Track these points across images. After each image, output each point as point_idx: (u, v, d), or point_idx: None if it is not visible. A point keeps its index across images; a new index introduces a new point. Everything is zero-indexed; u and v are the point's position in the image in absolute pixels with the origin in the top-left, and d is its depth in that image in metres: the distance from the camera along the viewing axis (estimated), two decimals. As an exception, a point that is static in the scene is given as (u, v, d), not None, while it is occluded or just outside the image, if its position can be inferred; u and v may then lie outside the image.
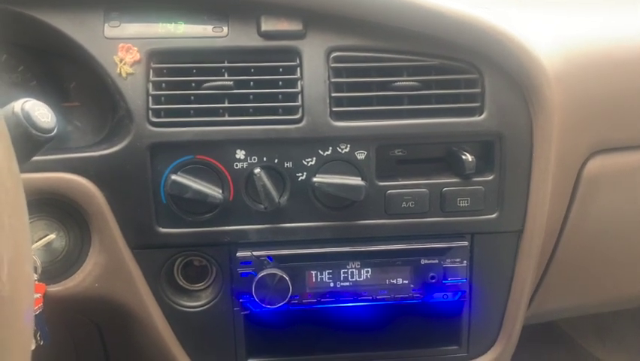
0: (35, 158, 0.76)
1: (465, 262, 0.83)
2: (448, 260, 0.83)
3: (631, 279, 1.08)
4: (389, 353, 0.89)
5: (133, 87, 0.77)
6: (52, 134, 0.53)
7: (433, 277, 0.83)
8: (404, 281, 0.83)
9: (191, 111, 0.77)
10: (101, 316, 0.88)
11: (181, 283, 0.85)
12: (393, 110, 0.79)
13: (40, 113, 0.51)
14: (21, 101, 0.52)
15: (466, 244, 0.83)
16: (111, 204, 0.78)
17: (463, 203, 0.82)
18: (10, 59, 0.86)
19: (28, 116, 0.51)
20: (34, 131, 0.51)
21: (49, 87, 0.87)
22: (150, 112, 0.77)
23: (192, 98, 0.78)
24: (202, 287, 0.86)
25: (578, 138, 0.88)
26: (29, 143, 0.52)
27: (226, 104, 0.78)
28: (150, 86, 0.77)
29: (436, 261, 0.82)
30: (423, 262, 0.82)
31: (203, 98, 0.77)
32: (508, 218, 0.84)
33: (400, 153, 0.83)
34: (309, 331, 0.88)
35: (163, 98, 0.77)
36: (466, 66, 0.80)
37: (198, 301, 0.84)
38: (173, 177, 0.77)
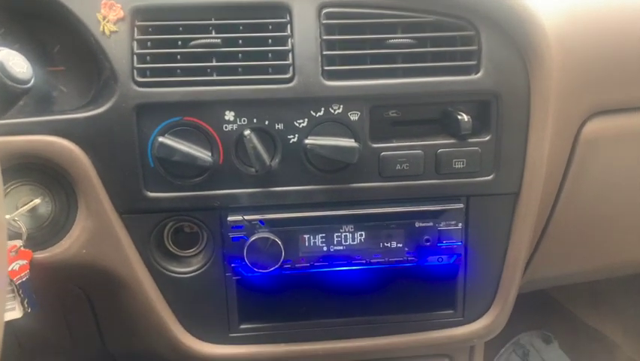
0: (18, 120, 0.75)
1: (460, 224, 0.82)
2: (443, 223, 0.81)
3: (628, 245, 1.07)
4: (383, 318, 0.88)
5: (117, 46, 0.74)
6: (29, 85, 0.51)
7: (427, 240, 0.81)
8: (398, 244, 0.81)
9: (178, 70, 0.75)
10: (89, 283, 0.87)
11: (171, 249, 0.83)
12: (387, 68, 0.77)
13: (15, 62, 0.49)
14: (-6, 51, 0.50)
15: (461, 206, 0.82)
16: (97, 167, 0.76)
17: (459, 165, 0.80)
18: (-11, 22, 0.82)
19: (1, 66, 0.48)
20: (8, 82, 0.48)
21: (33, 51, 0.84)
22: (135, 71, 0.74)
23: (179, 57, 0.75)
24: (193, 253, 0.84)
25: (576, 99, 0.86)
26: (4, 94, 0.49)
27: (214, 63, 0.75)
28: (135, 44, 0.74)
29: (431, 224, 0.81)
30: (417, 224, 0.81)
31: (190, 57, 0.75)
32: (504, 180, 0.82)
33: (395, 114, 0.81)
34: (303, 296, 0.87)
35: (148, 57, 0.75)
36: (462, 23, 0.78)
37: (189, 267, 0.83)
38: (161, 139, 0.74)
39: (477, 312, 0.90)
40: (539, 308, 1.77)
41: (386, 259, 0.82)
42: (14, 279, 0.75)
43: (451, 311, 0.89)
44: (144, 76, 0.75)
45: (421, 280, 0.87)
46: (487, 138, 0.80)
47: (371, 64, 0.77)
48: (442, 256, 0.83)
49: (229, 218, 0.79)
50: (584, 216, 0.99)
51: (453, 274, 0.87)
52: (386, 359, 0.94)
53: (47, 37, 0.84)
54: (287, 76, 0.75)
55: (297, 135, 0.77)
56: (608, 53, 0.88)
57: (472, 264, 0.85)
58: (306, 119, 0.77)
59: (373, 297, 0.88)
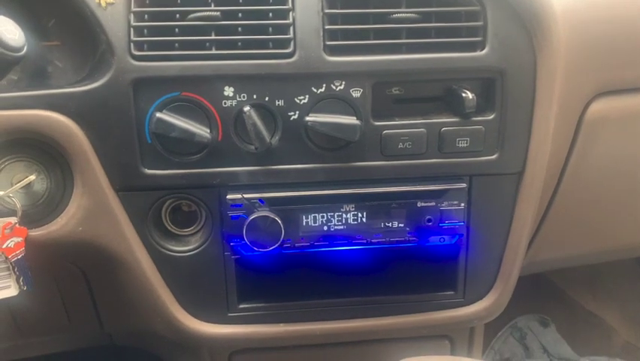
0: (12, 94, 0.73)
1: (462, 204, 0.80)
2: (445, 203, 0.80)
3: (629, 228, 1.07)
4: (383, 299, 0.87)
5: (113, 18, 0.72)
6: (21, 53, 0.49)
7: (429, 220, 0.80)
8: (400, 224, 0.80)
9: (176, 44, 0.73)
10: (86, 261, 0.85)
11: (169, 228, 0.82)
12: (391, 44, 0.75)
13: (7, 29, 0.47)
14: (-15, 17, 0.48)
15: (464, 185, 0.80)
16: (93, 143, 0.74)
17: (462, 143, 0.78)
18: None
19: (-8, 33, 0.46)
20: (0, 49, 0.46)
21: (27, 25, 0.81)
22: (132, 45, 0.72)
23: (177, 30, 0.73)
24: (191, 232, 0.83)
25: (582, 78, 0.85)
26: (-4, 62, 0.47)
27: (213, 37, 0.73)
28: (132, 17, 0.72)
29: (433, 203, 0.80)
30: (419, 204, 0.80)
31: (189, 30, 0.73)
32: (508, 159, 0.81)
33: (397, 92, 0.79)
34: (302, 275, 0.86)
35: (146, 30, 0.73)
36: (468, -3, 0.76)
37: (188, 246, 0.82)
38: (158, 114, 0.73)
39: (478, 293, 0.89)
40: (537, 292, 1.78)
41: (387, 239, 0.81)
42: (9, 256, 0.73)
43: (451, 292, 0.88)
44: (141, 49, 0.73)
45: (421, 261, 0.86)
46: (492, 117, 0.79)
47: (374, 39, 0.75)
48: (444, 237, 0.82)
49: (228, 196, 0.77)
50: (586, 198, 0.98)
51: (454, 254, 0.86)
52: (386, 339, 0.94)
53: (42, 11, 0.82)
54: (288, 50, 0.73)
55: (297, 112, 0.75)
56: (616, 31, 0.86)
57: (473, 245, 0.84)
58: (307, 96, 0.75)
59: (373, 277, 0.87)
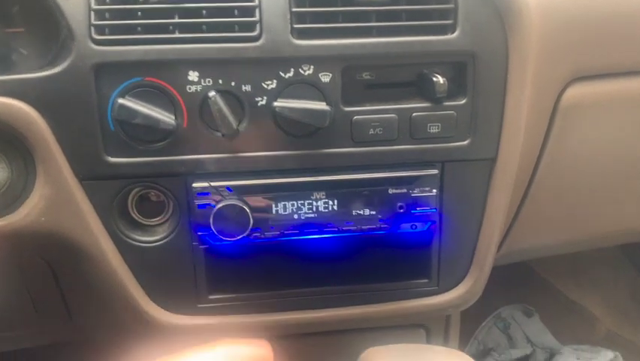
0: (-32, 81, 0.71)
1: (435, 191, 0.79)
2: (417, 189, 0.79)
3: (608, 216, 1.06)
4: (357, 287, 0.86)
5: (73, 2, 0.70)
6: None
7: (401, 207, 0.79)
8: (371, 212, 0.79)
9: (139, 28, 0.71)
10: (51, 253, 0.83)
11: (136, 218, 0.80)
12: (361, 27, 0.74)
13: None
14: None
15: (436, 172, 0.79)
16: (55, 131, 0.72)
17: (434, 129, 0.77)
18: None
19: None
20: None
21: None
22: (93, 29, 0.70)
23: (139, 13, 0.71)
24: (159, 222, 0.81)
25: (556, 63, 0.84)
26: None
27: (176, 20, 0.71)
28: (92, 0, 0.70)
29: (405, 190, 0.79)
30: (391, 191, 0.78)
31: (152, 14, 0.71)
32: (480, 145, 0.79)
33: (368, 77, 0.78)
34: (274, 265, 0.84)
35: (107, 14, 0.71)
36: (438, -21, 0.74)
37: (155, 236, 0.80)
38: (121, 100, 0.71)
39: (452, 281, 0.88)
40: (521, 282, 1.78)
41: (358, 226, 0.80)
42: (-31, 248, 0.71)
43: (425, 280, 0.87)
44: (102, 34, 0.71)
45: (395, 249, 0.85)
46: (463, 102, 0.77)
47: (343, 22, 0.74)
48: (416, 224, 0.80)
49: (194, 185, 0.76)
50: (564, 186, 0.97)
51: (427, 242, 0.84)
52: (361, 329, 0.93)
53: (5, -3, 0.79)
54: (254, 34, 0.72)
55: (265, 98, 0.74)
56: (591, 16, 0.85)
57: (447, 232, 0.83)
58: (274, 81, 0.73)
59: (346, 266, 0.85)
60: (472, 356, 1.64)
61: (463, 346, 1.63)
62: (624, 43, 0.89)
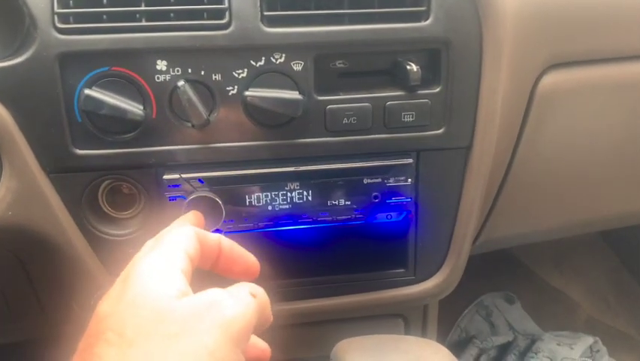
0: None
1: (410, 180, 0.79)
2: (392, 179, 0.78)
3: (587, 202, 1.07)
4: (333, 278, 0.85)
5: None
6: None
7: (376, 197, 0.78)
8: (346, 202, 0.78)
9: (104, 16, 0.69)
10: (21, 248, 0.82)
11: (107, 211, 0.79)
12: (333, 14, 0.72)
13: None
14: None
15: (410, 161, 0.78)
16: (20, 123, 0.70)
17: (408, 118, 0.76)
18: None
19: None
20: None
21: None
22: (56, 17, 0.68)
23: (104, 1, 0.69)
24: (131, 215, 0.79)
25: (533, 50, 0.83)
26: None
27: (143, 8, 0.69)
28: None
29: (380, 180, 0.78)
30: (365, 181, 0.78)
31: (117, 1, 0.69)
32: (455, 134, 0.79)
33: (342, 65, 0.76)
34: (248, 257, 0.83)
35: (71, 2, 0.69)
36: (411, -34, 0.73)
37: (126, 229, 0.78)
38: (87, 91, 0.69)
39: (429, 271, 0.88)
40: (503, 270, 1.79)
41: (334, 217, 0.79)
42: None
43: (402, 270, 0.87)
44: (67, 22, 0.68)
45: (371, 239, 0.84)
46: (438, 90, 0.77)
47: (315, 9, 0.72)
48: (392, 213, 0.80)
49: (165, 176, 0.74)
50: (541, 173, 0.97)
51: (403, 232, 0.84)
52: (339, 320, 0.92)
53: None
54: (223, 21, 0.70)
55: (236, 87, 0.72)
56: (567, 2, 0.85)
57: (422, 221, 0.83)
58: (245, 70, 0.72)
59: (323, 257, 0.85)
60: (455, 343, 1.65)
61: (445, 334, 1.64)
62: (601, 29, 0.88)
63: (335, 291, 0.86)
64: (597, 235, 1.87)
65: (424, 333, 1.00)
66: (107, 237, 0.78)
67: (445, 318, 1.15)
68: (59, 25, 0.68)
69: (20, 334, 1.07)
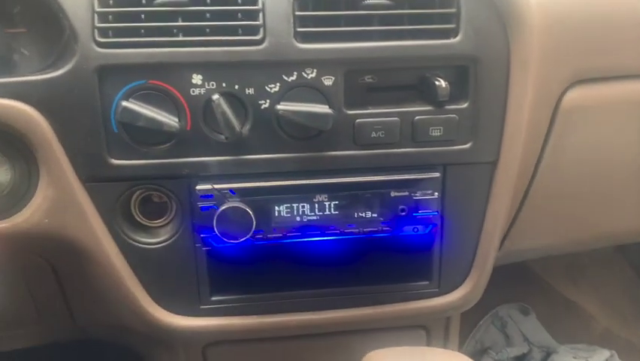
0: (-29, 83, 0.71)
1: (436, 194, 0.80)
2: (419, 192, 0.79)
3: (607, 217, 1.07)
4: (358, 289, 0.87)
5: (77, 4, 0.70)
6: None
7: (403, 210, 0.79)
8: (373, 214, 0.79)
9: (142, 31, 0.71)
10: (54, 254, 0.84)
11: (139, 219, 0.81)
12: (363, 31, 0.74)
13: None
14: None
15: (437, 175, 0.80)
16: (58, 133, 0.72)
17: (436, 132, 0.78)
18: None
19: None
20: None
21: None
22: (96, 31, 0.70)
23: (143, 16, 0.71)
24: (161, 223, 0.81)
25: (557, 67, 0.84)
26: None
27: (180, 23, 0.71)
28: (96, 2, 0.70)
29: (407, 193, 0.79)
30: (393, 194, 0.79)
31: (155, 16, 0.71)
32: (482, 148, 0.80)
33: (370, 80, 0.78)
34: (275, 267, 0.85)
35: (110, 16, 0.71)
36: (441, -16, 0.75)
37: (158, 238, 0.80)
38: (124, 103, 0.71)
39: (453, 283, 0.88)
40: (518, 281, 1.79)
41: (361, 229, 0.80)
42: (-28, 249, 0.72)
43: (426, 282, 0.88)
44: (106, 36, 0.71)
45: (396, 251, 0.86)
46: (465, 105, 0.78)
47: (346, 26, 0.74)
48: (418, 226, 0.81)
49: (198, 187, 0.76)
50: (563, 187, 0.98)
51: (429, 244, 0.85)
52: (362, 330, 0.93)
53: (7, -3, 0.79)
54: (257, 37, 0.72)
55: (268, 101, 0.74)
56: (591, 19, 0.86)
57: (448, 234, 0.84)
58: (277, 84, 0.74)
59: (348, 268, 0.86)
60: (470, 354, 1.65)
61: (460, 345, 1.64)
62: (624, 46, 0.89)
63: (359, 302, 0.87)
64: (613, 248, 1.86)
65: (445, 344, 1.00)
66: (138, 245, 0.80)
67: (460, 329, 1.15)
68: (99, 39, 0.70)
69: (46, 337, 1.09)
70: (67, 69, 0.71)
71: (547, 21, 0.81)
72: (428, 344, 0.98)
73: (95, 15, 0.70)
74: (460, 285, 0.89)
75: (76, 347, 1.19)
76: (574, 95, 0.88)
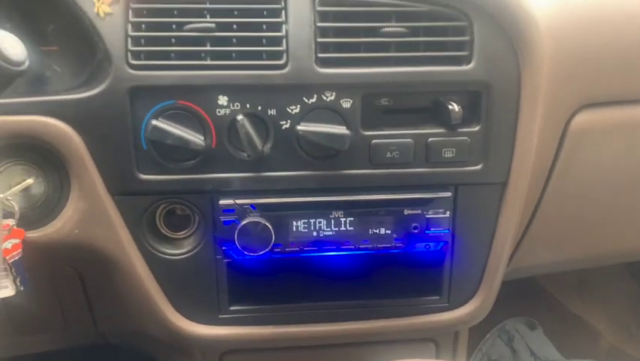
0: (12, 100, 0.75)
1: (448, 212, 0.83)
2: (431, 211, 0.83)
3: (613, 236, 1.09)
4: (370, 302, 0.90)
5: (111, 28, 0.74)
6: (23, 67, 0.51)
7: (415, 228, 0.83)
8: (387, 231, 0.83)
9: (172, 54, 0.75)
10: (82, 263, 0.88)
11: (163, 231, 0.84)
12: (381, 57, 0.78)
13: (9, 44, 0.49)
14: (-13, 32, 0.50)
15: (449, 194, 0.83)
16: (90, 149, 0.76)
17: (448, 154, 0.81)
18: (-18, 1, 0.82)
19: (-4, 48, 0.48)
20: (3, 64, 0.48)
21: (26, 30, 0.83)
22: (129, 54, 0.74)
23: (173, 40, 0.75)
24: (184, 235, 0.85)
25: (566, 91, 0.87)
26: (-2, 75, 0.49)
27: (208, 48, 0.75)
28: (129, 27, 0.74)
29: (419, 211, 0.82)
30: (406, 212, 0.82)
31: (185, 41, 0.75)
32: (492, 170, 0.83)
33: (386, 103, 0.82)
34: (292, 279, 0.88)
35: (143, 40, 0.75)
36: (455, 13, 0.78)
37: (181, 249, 0.84)
38: (154, 122, 0.75)
39: (462, 298, 0.91)
40: (525, 295, 1.80)
41: (374, 245, 0.83)
42: (7, 257, 0.75)
43: (436, 297, 0.91)
44: (138, 59, 0.75)
45: (408, 266, 0.89)
46: (477, 129, 0.81)
47: (364, 52, 0.78)
48: (430, 244, 0.84)
49: (221, 202, 0.80)
50: (570, 207, 1.00)
51: (439, 260, 0.88)
52: (372, 342, 0.96)
53: (41, 17, 0.83)
54: (281, 62, 0.76)
55: (289, 121, 0.78)
56: (599, 45, 0.89)
57: (458, 251, 0.87)
58: (298, 106, 0.77)
59: (361, 282, 0.89)
60: (477, 367, 1.66)
61: (467, 358, 1.65)
62: (632, 72, 0.92)
63: (371, 315, 0.90)
64: (620, 264, 1.87)
65: (454, 358, 1.03)
66: (162, 256, 0.83)
67: (467, 342, 1.18)
68: (132, 62, 0.74)
69: (71, 341, 1.12)
70: (101, 89, 0.75)
71: (557, 47, 0.84)
72: (437, 357, 1.00)
73: (129, 39, 0.74)
74: (470, 300, 0.92)
75: (94, 351, 1.22)
76: (582, 119, 0.91)
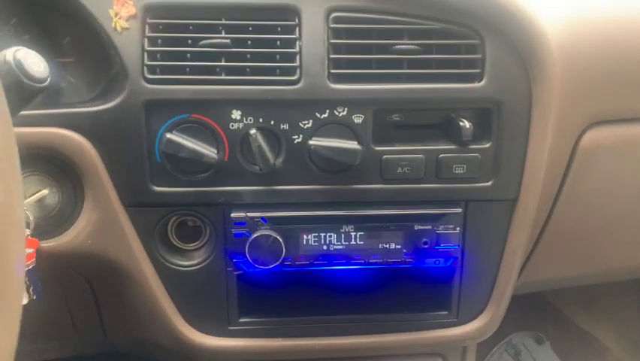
0: (28, 112, 0.77)
1: (458, 228, 0.83)
2: (442, 226, 0.83)
3: (622, 252, 1.09)
4: (379, 317, 0.90)
5: (128, 42, 0.75)
6: (45, 84, 0.52)
7: (425, 243, 0.83)
8: (397, 246, 0.83)
9: (187, 69, 0.76)
10: (93, 273, 0.88)
11: (175, 243, 0.85)
12: (392, 73, 0.78)
13: (33, 62, 0.50)
14: (13, 49, 0.51)
15: (459, 210, 0.83)
16: (105, 161, 0.77)
17: (459, 170, 0.81)
18: (1, 12, 0.83)
19: (20, 65, 0.49)
20: (26, 80, 0.50)
21: (43, 42, 0.85)
22: (145, 68, 0.76)
23: (188, 55, 0.76)
24: (196, 247, 0.86)
25: (576, 109, 0.88)
26: (21, 92, 0.50)
27: (223, 63, 0.76)
28: (146, 41, 0.76)
29: (430, 227, 0.83)
30: (416, 227, 0.83)
31: (200, 56, 0.76)
32: (503, 186, 0.84)
33: (398, 118, 0.82)
34: (301, 292, 0.89)
35: (159, 55, 0.76)
36: (467, 31, 0.79)
37: (192, 261, 0.85)
38: (168, 135, 0.76)
39: (471, 314, 0.92)
40: (533, 309, 1.79)
41: (384, 259, 0.84)
42: (21, 267, 0.76)
43: (445, 312, 0.91)
44: (154, 73, 0.76)
45: (417, 281, 0.89)
46: (488, 145, 0.82)
47: (376, 68, 0.78)
48: (439, 259, 0.85)
49: (232, 214, 0.80)
50: (579, 223, 1.00)
51: (449, 276, 0.89)
52: (381, 356, 0.96)
53: (58, 29, 0.85)
54: (294, 78, 0.77)
55: (301, 136, 0.79)
56: (609, 63, 0.89)
57: (468, 267, 0.87)
58: (310, 121, 0.78)
59: (370, 296, 0.90)
60: (483, 381, 1.66)
61: (474, 371, 1.65)
62: (640, 90, 0.92)
63: (381, 329, 0.90)
64: (629, 280, 1.86)
65: (461, 372, 1.03)
66: (174, 267, 0.84)
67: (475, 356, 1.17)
68: (148, 76, 0.76)
69: (80, 349, 1.13)
70: (116, 102, 0.76)
71: (568, 65, 0.85)
72: (445, 372, 1.00)
73: (145, 53, 0.75)
74: (478, 316, 0.92)
75: (103, 359, 1.22)
76: (592, 136, 0.91)
